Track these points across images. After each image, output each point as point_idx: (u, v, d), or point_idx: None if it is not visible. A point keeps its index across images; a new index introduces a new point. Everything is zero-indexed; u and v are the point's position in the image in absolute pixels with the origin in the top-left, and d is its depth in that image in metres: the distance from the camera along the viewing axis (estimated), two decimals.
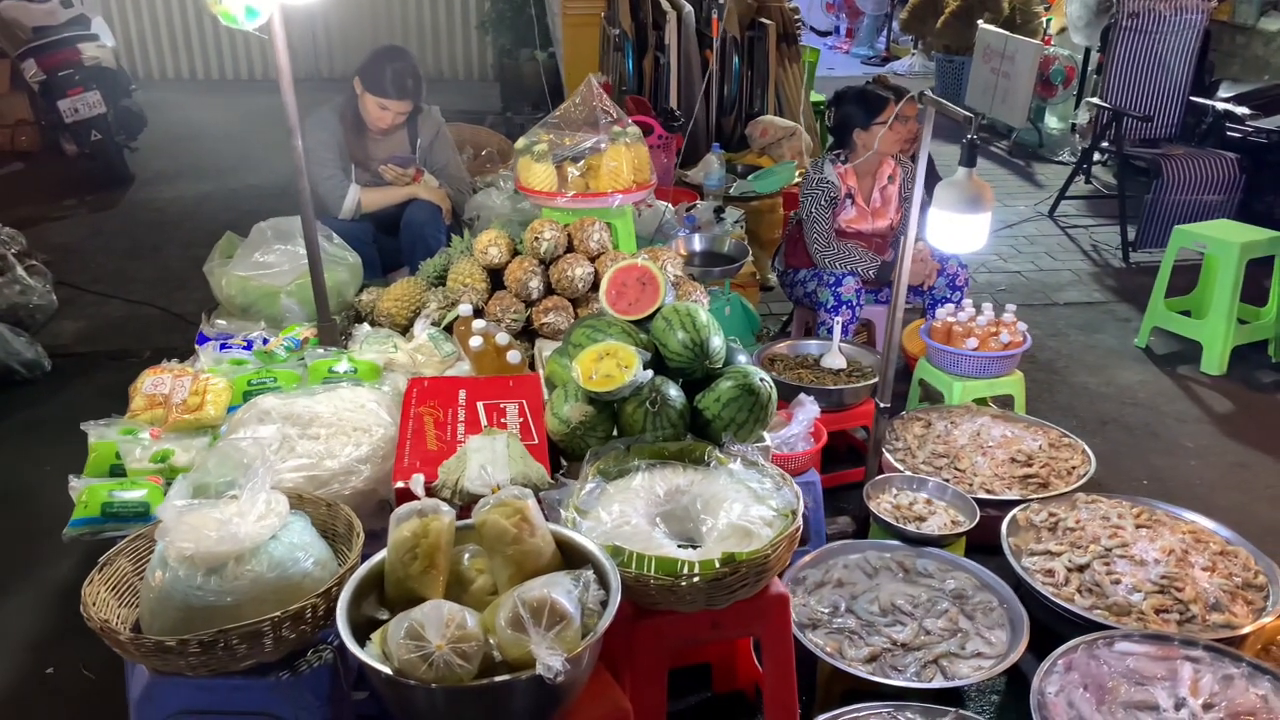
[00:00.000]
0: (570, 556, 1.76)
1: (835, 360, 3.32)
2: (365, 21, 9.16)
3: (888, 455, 3.06)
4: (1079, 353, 4.29)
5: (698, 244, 3.72)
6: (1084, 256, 5.42)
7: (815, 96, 6.38)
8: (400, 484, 1.91)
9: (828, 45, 11.40)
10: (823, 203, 3.67)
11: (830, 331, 3.41)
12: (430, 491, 1.94)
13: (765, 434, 2.33)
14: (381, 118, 3.51)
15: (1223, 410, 3.82)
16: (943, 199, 2.43)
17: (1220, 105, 5.69)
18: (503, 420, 2.18)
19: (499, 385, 2.35)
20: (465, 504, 1.91)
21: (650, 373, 2.18)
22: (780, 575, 2.37)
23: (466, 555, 1.73)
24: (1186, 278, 4.37)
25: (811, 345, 3.43)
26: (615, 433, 2.22)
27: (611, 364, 2.15)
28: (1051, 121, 7.46)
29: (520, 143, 3.13)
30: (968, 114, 2.42)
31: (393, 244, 3.61)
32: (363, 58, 3.56)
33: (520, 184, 3.12)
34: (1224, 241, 4.09)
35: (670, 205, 4.24)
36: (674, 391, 2.19)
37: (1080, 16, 6.81)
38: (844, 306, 3.58)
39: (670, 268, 2.91)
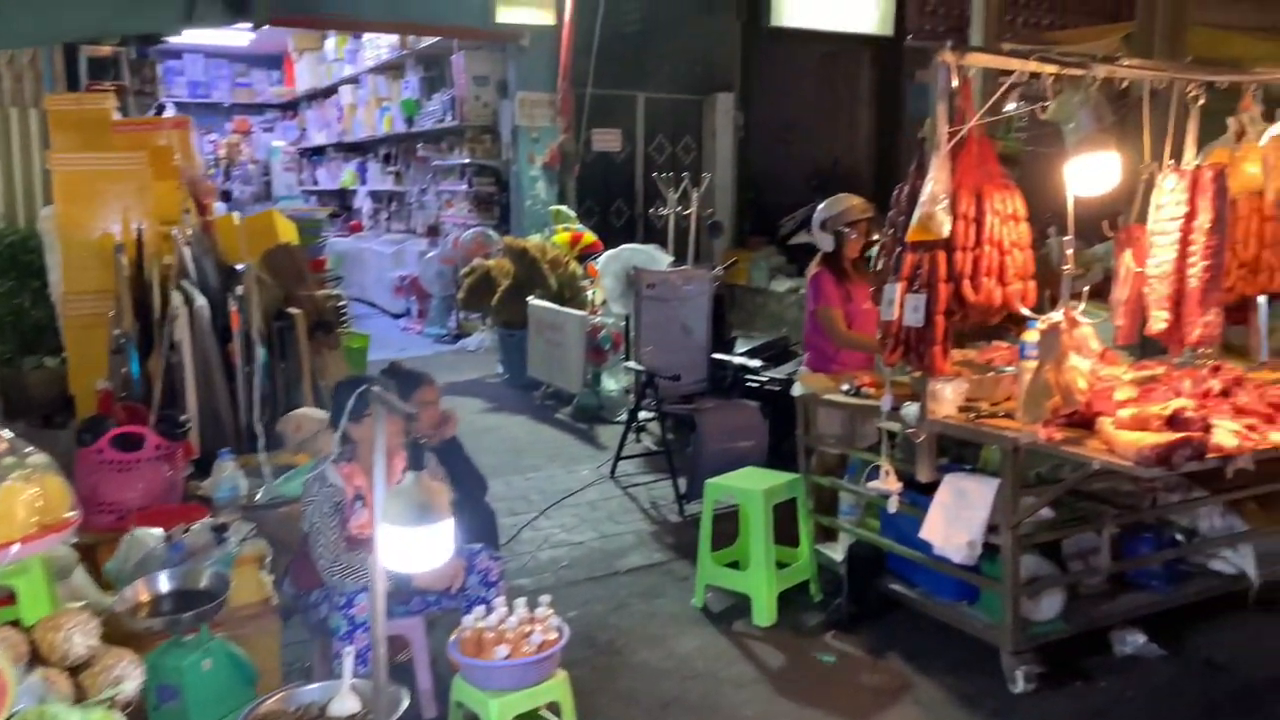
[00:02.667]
0: None
1: (346, 704, 2.71)
2: None
3: None
4: (641, 624, 4.07)
5: (164, 584, 3.00)
6: (644, 516, 5.42)
7: None
8: None
9: (401, 327, 11.46)
10: (326, 511, 3.20)
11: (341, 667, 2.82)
12: None
13: None
14: None
15: (776, 665, 3.72)
16: (388, 512, 2.05)
17: (736, 360, 6.23)
18: None
19: None
20: None
21: None
22: None
23: None
24: (736, 525, 4.41)
25: (313, 691, 2.80)
26: None
27: None
28: (609, 384, 7.80)
29: None
30: (410, 411, 2.12)
31: None
32: None
33: None
34: (748, 491, 4.20)
35: (162, 532, 3.53)
36: None
37: (613, 289, 7.33)
38: (359, 631, 3.03)
39: (79, 638, 2.20)
